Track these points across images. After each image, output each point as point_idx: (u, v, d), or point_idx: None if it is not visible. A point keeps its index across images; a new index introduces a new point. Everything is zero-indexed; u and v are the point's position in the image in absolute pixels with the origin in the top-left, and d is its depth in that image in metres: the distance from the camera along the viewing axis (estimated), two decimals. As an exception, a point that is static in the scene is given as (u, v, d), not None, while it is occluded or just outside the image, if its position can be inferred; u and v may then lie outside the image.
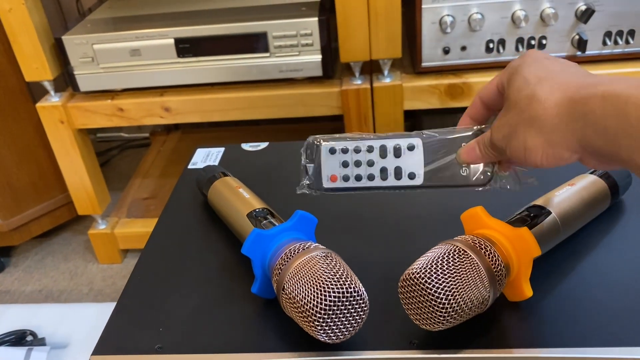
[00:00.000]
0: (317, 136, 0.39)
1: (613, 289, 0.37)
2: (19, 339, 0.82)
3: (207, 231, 0.47)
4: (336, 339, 0.33)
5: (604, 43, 0.86)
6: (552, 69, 0.31)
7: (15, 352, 0.78)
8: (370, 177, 0.38)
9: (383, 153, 0.38)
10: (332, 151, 0.38)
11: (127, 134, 1.53)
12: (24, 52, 0.89)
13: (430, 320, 0.32)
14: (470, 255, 0.33)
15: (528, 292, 0.35)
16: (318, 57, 0.88)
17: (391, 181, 0.38)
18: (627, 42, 0.86)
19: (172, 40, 0.88)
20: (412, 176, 0.38)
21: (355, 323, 0.33)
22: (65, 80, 0.95)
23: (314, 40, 0.87)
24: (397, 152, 0.38)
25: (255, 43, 0.87)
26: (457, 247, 0.34)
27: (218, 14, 0.92)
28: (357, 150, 0.38)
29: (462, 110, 0.40)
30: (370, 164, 0.39)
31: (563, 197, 0.40)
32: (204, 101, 0.91)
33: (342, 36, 0.86)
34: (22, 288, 1.07)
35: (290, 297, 0.33)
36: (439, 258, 0.33)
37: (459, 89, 0.89)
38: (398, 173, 0.38)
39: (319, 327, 0.32)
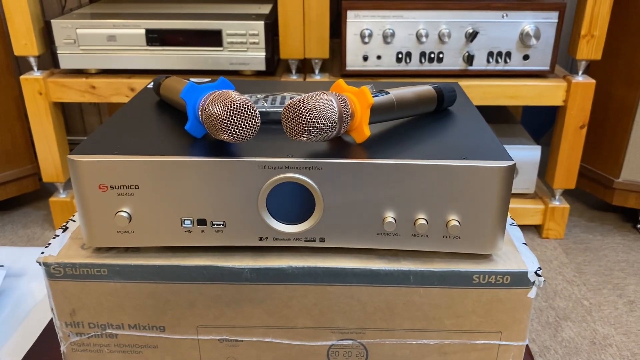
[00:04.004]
0: None
1: (428, 139, 0.55)
2: (-20, 263, 0.94)
3: (161, 114, 0.64)
4: (237, 139, 0.50)
5: (488, 61, 1.09)
6: None
7: (-23, 268, 0.90)
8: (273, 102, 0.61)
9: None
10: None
11: (91, 138, 1.68)
12: (17, 29, 1.06)
13: (297, 131, 0.50)
14: (329, 96, 0.51)
15: (367, 131, 0.53)
16: (262, 54, 1.08)
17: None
18: (505, 61, 1.09)
19: (143, 30, 1.07)
20: None
21: (250, 130, 0.50)
22: (49, 60, 1.12)
23: (260, 40, 1.07)
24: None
25: (211, 38, 1.07)
26: (323, 91, 0.52)
27: (184, 15, 1.12)
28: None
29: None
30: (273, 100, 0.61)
31: (402, 90, 0.59)
32: (165, 84, 1.09)
33: (282, 37, 1.07)
34: (-19, 245, 1.18)
35: (208, 113, 0.50)
36: (308, 95, 0.51)
37: (375, 90, 1.10)
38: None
39: (226, 128, 0.49)
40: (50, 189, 1.40)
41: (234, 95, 0.51)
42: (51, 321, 0.79)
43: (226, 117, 0.49)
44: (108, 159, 0.51)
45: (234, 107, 0.49)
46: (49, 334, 0.77)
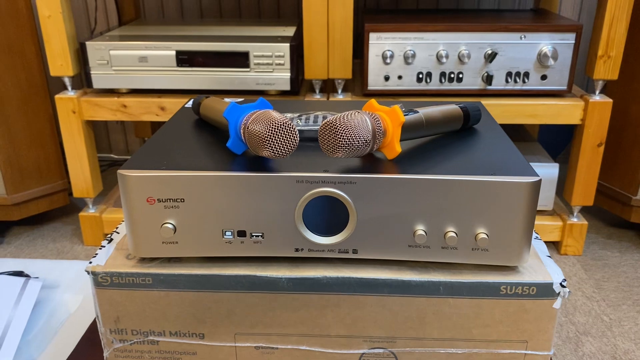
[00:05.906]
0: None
1: (457, 155, 0.57)
2: (16, 274, 0.98)
3: (201, 132, 0.67)
4: (278, 156, 0.53)
5: (507, 81, 1.12)
6: None
7: (15, 279, 0.94)
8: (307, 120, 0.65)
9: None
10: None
11: (116, 155, 1.73)
12: (54, 51, 1.11)
13: (334, 148, 0.53)
14: (363, 115, 0.55)
15: (398, 148, 0.56)
16: (287, 75, 1.12)
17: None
18: (523, 81, 1.12)
19: (173, 52, 1.11)
20: None
21: (289, 147, 0.53)
22: (82, 80, 1.17)
23: (285, 61, 1.11)
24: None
25: (239, 60, 1.11)
26: (357, 110, 0.55)
27: (213, 37, 1.17)
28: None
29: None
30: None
31: (430, 109, 0.62)
32: (193, 103, 1.14)
33: (307, 59, 1.11)
34: (13, 258, 1.22)
35: (251, 131, 0.54)
36: (343, 114, 0.54)
37: (396, 108, 1.14)
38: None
39: (267, 145, 0.52)
40: (78, 204, 1.44)
41: (275, 114, 0.54)
42: (87, 331, 0.82)
43: (268, 135, 0.53)
44: (156, 173, 0.55)
45: (275, 126, 0.53)
46: (85, 344, 0.80)
